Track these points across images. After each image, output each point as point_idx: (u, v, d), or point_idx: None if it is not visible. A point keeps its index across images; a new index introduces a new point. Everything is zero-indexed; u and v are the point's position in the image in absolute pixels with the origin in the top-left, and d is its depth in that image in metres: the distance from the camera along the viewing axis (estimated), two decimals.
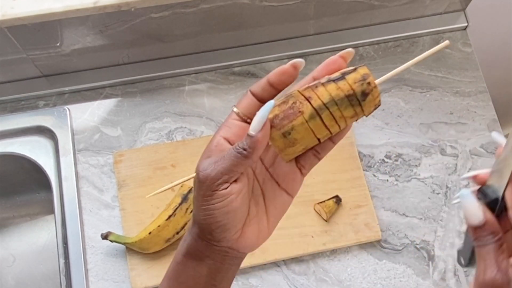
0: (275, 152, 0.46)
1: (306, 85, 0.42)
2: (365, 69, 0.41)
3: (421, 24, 0.98)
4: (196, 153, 0.87)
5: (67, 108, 0.90)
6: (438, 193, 0.88)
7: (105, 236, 0.81)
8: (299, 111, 0.41)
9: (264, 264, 0.83)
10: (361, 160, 0.89)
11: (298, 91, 0.42)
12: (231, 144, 0.43)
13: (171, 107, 0.93)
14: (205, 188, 0.41)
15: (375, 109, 0.42)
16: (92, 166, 0.88)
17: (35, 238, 1.00)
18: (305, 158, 0.45)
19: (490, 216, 0.40)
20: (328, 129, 0.41)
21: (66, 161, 0.87)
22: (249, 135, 0.40)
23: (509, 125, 1.50)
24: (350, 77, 0.40)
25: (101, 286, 0.82)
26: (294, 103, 0.41)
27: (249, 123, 0.42)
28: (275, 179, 0.46)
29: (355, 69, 0.41)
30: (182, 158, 0.87)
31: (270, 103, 0.41)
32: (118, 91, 0.94)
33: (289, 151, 0.42)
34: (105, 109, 0.93)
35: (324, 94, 0.40)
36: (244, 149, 0.41)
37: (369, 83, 0.40)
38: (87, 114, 0.92)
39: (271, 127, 0.41)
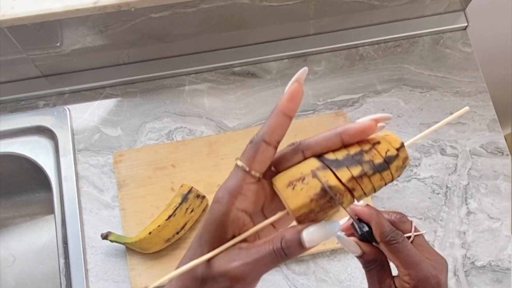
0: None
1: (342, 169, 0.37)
2: (405, 152, 0.39)
3: (421, 24, 0.98)
4: (196, 153, 0.88)
5: (67, 108, 0.90)
6: (438, 193, 0.88)
7: (105, 236, 0.81)
8: (339, 203, 0.37)
9: None
10: None
11: (341, 181, 0.37)
12: (246, 213, 0.37)
13: (171, 107, 0.93)
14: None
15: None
16: (92, 166, 0.88)
17: (35, 238, 1.00)
18: None
19: (365, 247, 0.45)
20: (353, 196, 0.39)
21: (66, 161, 0.87)
22: (300, 244, 0.36)
23: (509, 125, 1.50)
24: (393, 166, 0.38)
25: (101, 286, 0.82)
26: (333, 196, 0.37)
27: (261, 184, 0.37)
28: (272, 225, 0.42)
29: (397, 155, 0.38)
30: (182, 158, 0.87)
31: (338, 225, 0.37)
32: (118, 91, 0.94)
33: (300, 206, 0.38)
34: (105, 109, 0.93)
35: (368, 186, 0.38)
36: (287, 254, 0.36)
37: (405, 166, 0.40)
38: (87, 114, 0.92)
39: (307, 220, 0.37)
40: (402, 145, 0.39)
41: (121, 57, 0.93)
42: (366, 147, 0.38)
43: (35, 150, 0.89)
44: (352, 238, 0.46)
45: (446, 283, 0.46)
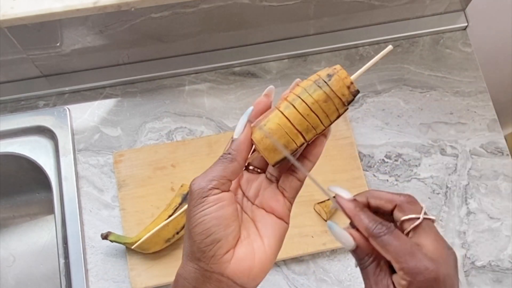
0: (257, 186, 0.48)
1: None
2: (337, 69, 0.44)
3: (421, 24, 0.98)
4: (196, 153, 0.88)
5: (67, 108, 0.90)
6: (438, 193, 0.88)
7: (105, 236, 0.81)
8: (276, 108, 0.44)
9: None
10: (361, 160, 0.89)
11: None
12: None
13: (171, 107, 0.93)
14: (196, 196, 0.42)
15: (352, 93, 0.43)
16: (92, 166, 0.88)
17: (35, 238, 1.00)
18: (284, 180, 0.47)
19: (360, 239, 0.43)
20: (306, 120, 0.43)
21: (66, 161, 0.87)
22: (232, 140, 0.43)
23: (509, 125, 1.50)
24: (321, 71, 0.44)
25: (101, 286, 0.82)
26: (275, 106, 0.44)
27: (248, 170, 0.47)
28: (260, 207, 0.47)
29: (327, 68, 0.44)
30: (182, 158, 0.87)
31: (250, 108, 0.45)
32: (118, 91, 0.94)
33: (269, 146, 0.43)
34: (105, 109, 0.93)
35: (297, 89, 0.44)
36: (229, 153, 0.43)
37: (334, 68, 0.43)
38: (87, 114, 0.92)
39: (254, 128, 0.44)
40: (341, 68, 0.44)
41: (121, 57, 0.93)
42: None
43: (35, 150, 0.89)
44: (345, 229, 0.44)
45: (450, 278, 0.40)
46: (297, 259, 0.83)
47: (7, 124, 0.89)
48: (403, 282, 0.39)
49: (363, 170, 0.88)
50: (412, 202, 0.43)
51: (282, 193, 0.47)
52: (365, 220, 0.42)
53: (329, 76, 0.43)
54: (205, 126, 0.91)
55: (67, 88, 0.93)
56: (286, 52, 0.95)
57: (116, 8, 0.77)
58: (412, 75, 0.95)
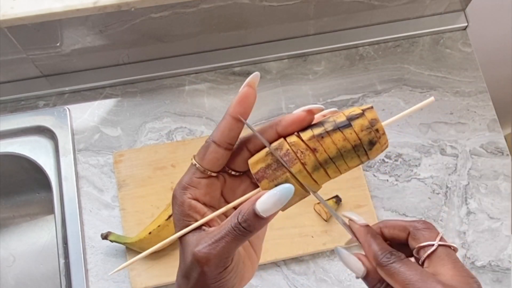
0: (242, 192, 0.42)
1: (295, 131, 0.38)
2: (373, 113, 0.37)
3: (421, 24, 0.98)
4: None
5: (67, 108, 0.90)
6: (438, 193, 0.88)
7: (105, 236, 0.81)
8: (299, 161, 0.37)
9: (264, 264, 0.83)
10: None
11: (301, 138, 0.37)
12: (205, 205, 0.39)
13: (171, 107, 0.93)
14: (209, 272, 0.37)
15: (381, 152, 0.38)
16: (92, 166, 0.88)
17: (35, 238, 1.00)
18: None
19: (370, 265, 0.39)
20: (329, 177, 0.38)
21: (66, 161, 0.87)
22: (257, 215, 0.36)
23: (509, 125, 1.50)
24: (357, 124, 0.37)
25: (101, 286, 0.82)
26: (290, 152, 0.37)
27: (215, 177, 0.39)
28: None
29: (362, 114, 0.37)
30: (182, 158, 0.87)
31: (291, 189, 0.36)
32: (118, 91, 0.94)
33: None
34: (105, 109, 0.93)
35: (330, 147, 0.37)
36: (247, 228, 0.36)
37: (377, 130, 0.37)
38: (87, 114, 0.92)
39: (262, 178, 0.38)
40: (371, 107, 0.37)
41: (121, 57, 0.93)
42: (339, 120, 0.37)
43: (35, 150, 0.89)
44: (354, 254, 0.40)
45: None
46: (297, 259, 0.83)
47: (7, 124, 0.89)
48: None
49: (363, 170, 0.88)
50: (427, 228, 0.40)
51: None
52: (375, 247, 0.39)
53: (371, 144, 0.37)
54: (205, 126, 0.91)
55: (67, 88, 0.93)
56: (286, 52, 0.95)
57: (116, 8, 0.77)
58: (412, 75, 0.95)
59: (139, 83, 0.94)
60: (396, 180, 0.89)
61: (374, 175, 0.89)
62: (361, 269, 0.40)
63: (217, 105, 0.93)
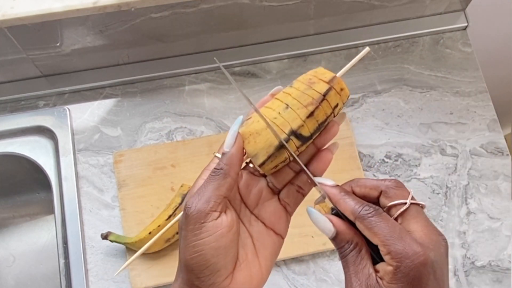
0: (258, 192, 0.45)
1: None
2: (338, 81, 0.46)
3: (421, 24, 0.98)
4: (196, 153, 0.88)
5: (67, 108, 0.91)
6: (438, 193, 0.88)
7: (105, 236, 0.81)
8: (270, 109, 0.43)
9: None
10: (361, 160, 0.89)
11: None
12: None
13: (171, 107, 0.93)
14: (193, 221, 0.39)
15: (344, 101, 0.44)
16: (92, 166, 0.88)
17: (35, 238, 1.00)
18: (288, 195, 0.45)
19: (341, 225, 0.40)
20: (300, 117, 0.42)
21: (66, 161, 0.87)
22: (223, 153, 0.41)
23: (509, 125, 1.50)
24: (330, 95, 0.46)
25: (101, 286, 0.82)
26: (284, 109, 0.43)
27: (248, 168, 0.45)
28: (260, 220, 0.45)
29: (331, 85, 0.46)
30: (182, 158, 0.87)
31: (240, 118, 0.42)
32: (118, 91, 0.94)
33: (261, 152, 0.41)
34: (105, 109, 0.93)
35: (288, 98, 0.43)
36: (221, 168, 0.41)
37: (316, 71, 0.45)
38: (87, 114, 0.92)
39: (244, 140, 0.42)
40: (334, 77, 0.45)
41: (121, 57, 0.93)
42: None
43: (35, 150, 0.89)
44: (325, 214, 0.41)
45: (439, 265, 0.38)
46: (297, 259, 0.83)
47: (7, 124, 0.89)
48: (390, 268, 0.37)
49: (363, 170, 0.88)
50: (398, 187, 0.41)
51: (285, 207, 0.45)
52: (351, 202, 0.40)
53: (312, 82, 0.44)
54: (205, 126, 0.91)
55: (67, 88, 0.93)
56: (286, 52, 0.95)
57: (116, 8, 0.77)
58: (412, 75, 0.95)
59: (139, 83, 0.94)
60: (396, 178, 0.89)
61: (374, 175, 0.89)
62: (331, 229, 0.41)
63: (217, 105, 0.93)
